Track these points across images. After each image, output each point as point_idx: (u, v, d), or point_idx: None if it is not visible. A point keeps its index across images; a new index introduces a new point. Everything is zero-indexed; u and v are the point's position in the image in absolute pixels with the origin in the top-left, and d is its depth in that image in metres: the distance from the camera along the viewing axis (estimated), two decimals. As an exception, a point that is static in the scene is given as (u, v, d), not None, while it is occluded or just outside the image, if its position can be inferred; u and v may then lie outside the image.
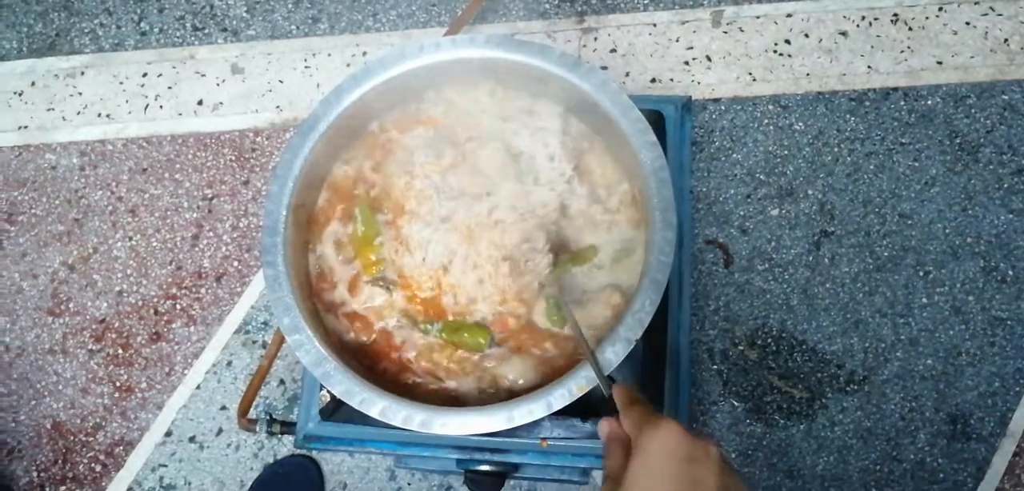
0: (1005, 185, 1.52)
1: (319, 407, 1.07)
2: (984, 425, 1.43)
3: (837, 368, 1.46)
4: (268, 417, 1.30)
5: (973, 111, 1.57)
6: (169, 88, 1.74)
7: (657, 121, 1.15)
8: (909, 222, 1.52)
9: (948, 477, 1.41)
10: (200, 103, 1.73)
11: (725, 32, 1.66)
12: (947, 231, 1.51)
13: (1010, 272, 1.48)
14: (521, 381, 0.95)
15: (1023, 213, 1.50)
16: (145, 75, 1.76)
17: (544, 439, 1.03)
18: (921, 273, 1.49)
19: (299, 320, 0.85)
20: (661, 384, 1.07)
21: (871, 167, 1.55)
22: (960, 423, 1.43)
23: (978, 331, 1.46)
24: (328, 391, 1.01)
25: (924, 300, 1.48)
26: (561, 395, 0.84)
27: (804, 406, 1.45)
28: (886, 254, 1.50)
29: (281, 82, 1.72)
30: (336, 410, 1.08)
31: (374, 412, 0.83)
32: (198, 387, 1.56)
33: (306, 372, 1.08)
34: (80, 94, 1.76)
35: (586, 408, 1.06)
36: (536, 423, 1.03)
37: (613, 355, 0.85)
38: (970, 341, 1.46)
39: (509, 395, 0.90)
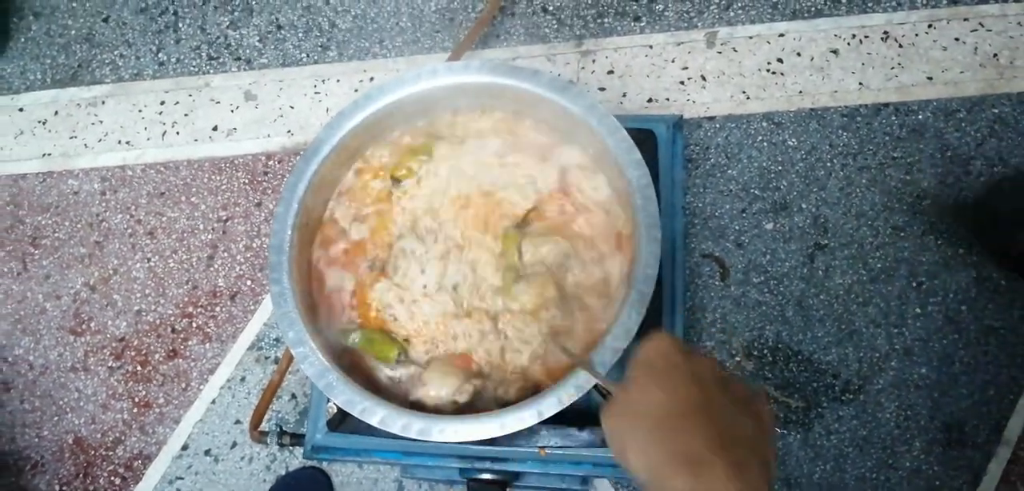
0: (996, 197, 1.55)
1: (326, 419, 1.12)
2: (979, 433, 1.45)
3: (833, 378, 1.49)
4: (279, 430, 1.35)
5: (963, 125, 1.60)
6: (185, 115, 1.82)
7: (649, 139, 1.20)
8: (902, 234, 1.55)
9: (944, 484, 1.43)
10: (215, 129, 1.80)
11: (719, 52, 1.71)
12: (939, 242, 1.54)
13: (1002, 282, 1.51)
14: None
15: (1014, 224, 1.53)
16: (163, 103, 1.84)
17: (542, 448, 1.07)
18: (914, 284, 1.52)
19: (304, 334, 0.90)
20: (655, 394, 1.11)
21: (864, 181, 1.59)
22: (955, 431, 1.45)
23: (972, 340, 1.49)
24: (334, 403, 1.06)
25: (917, 310, 1.51)
26: (551, 403, 0.88)
27: (800, 415, 1.48)
28: (879, 265, 1.54)
29: (292, 108, 1.79)
30: (342, 422, 1.12)
31: (374, 421, 0.88)
32: (213, 402, 1.61)
33: (314, 385, 1.13)
34: (101, 122, 1.84)
35: (583, 417, 1.10)
36: (534, 433, 1.07)
37: (600, 366, 0.89)
38: (964, 350, 1.49)
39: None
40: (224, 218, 1.73)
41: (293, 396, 1.59)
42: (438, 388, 0.96)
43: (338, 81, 1.80)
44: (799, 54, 1.69)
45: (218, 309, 1.67)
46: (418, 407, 0.96)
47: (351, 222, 1.04)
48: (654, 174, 1.15)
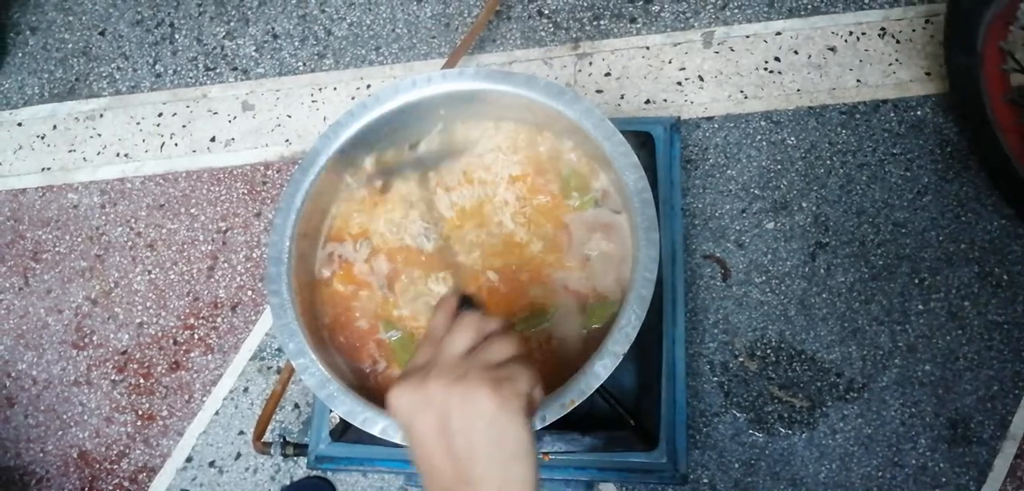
0: (998, 191, 1.55)
1: (329, 429, 1.12)
2: (984, 428, 1.44)
3: (836, 376, 1.49)
4: (282, 440, 1.35)
5: (962, 119, 1.60)
6: (183, 126, 1.82)
7: (647, 142, 1.20)
8: (903, 231, 1.55)
9: (950, 481, 1.43)
10: (213, 140, 1.80)
11: (716, 52, 1.71)
12: (941, 238, 1.54)
13: (1005, 277, 1.50)
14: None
15: (1016, 218, 1.52)
16: (160, 115, 1.84)
17: (546, 453, 1.07)
18: (916, 280, 1.52)
19: (304, 345, 0.90)
20: (659, 397, 1.11)
21: (864, 178, 1.58)
22: (960, 427, 1.45)
23: (975, 336, 1.48)
24: (337, 414, 1.05)
25: (920, 307, 1.51)
26: (554, 409, 0.88)
27: (805, 415, 1.48)
28: (881, 263, 1.53)
29: (289, 117, 1.79)
30: (345, 431, 1.12)
31: (375, 430, 0.88)
32: (217, 413, 1.61)
33: (316, 396, 1.13)
34: (99, 135, 1.84)
35: (587, 423, 1.10)
36: (537, 438, 1.06)
37: (602, 369, 0.88)
38: (968, 346, 1.48)
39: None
40: (224, 229, 1.73)
41: (296, 406, 1.59)
42: None
43: (335, 89, 1.80)
44: (796, 52, 1.69)
45: (219, 320, 1.67)
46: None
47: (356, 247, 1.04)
48: (652, 176, 1.16)
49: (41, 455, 1.63)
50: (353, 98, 1.78)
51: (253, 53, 1.87)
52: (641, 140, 1.18)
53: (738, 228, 1.58)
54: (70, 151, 1.84)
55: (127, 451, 1.61)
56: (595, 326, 1.00)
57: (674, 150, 1.21)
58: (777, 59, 1.69)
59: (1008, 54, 1.39)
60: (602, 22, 1.76)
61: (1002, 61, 1.41)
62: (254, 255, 1.70)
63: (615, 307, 0.98)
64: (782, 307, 1.53)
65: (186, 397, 1.63)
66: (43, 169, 1.83)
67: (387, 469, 1.13)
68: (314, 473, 1.54)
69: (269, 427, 1.49)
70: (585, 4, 1.78)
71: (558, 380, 0.93)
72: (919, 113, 1.61)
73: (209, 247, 1.72)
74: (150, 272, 1.72)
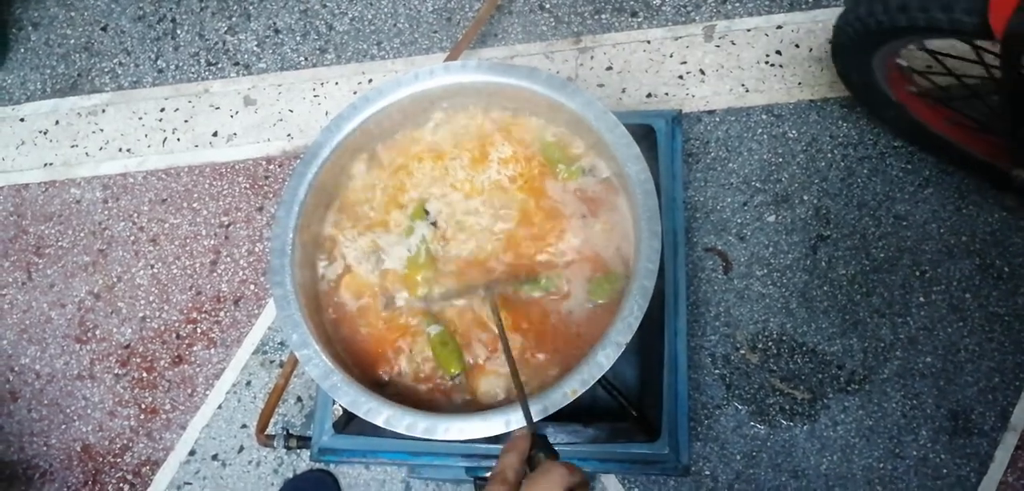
0: (997, 189, 1.55)
1: (332, 421, 1.12)
2: (985, 420, 1.45)
3: (838, 369, 1.49)
4: (285, 433, 1.36)
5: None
6: (185, 121, 1.82)
7: (648, 135, 1.20)
8: (904, 223, 1.55)
9: (951, 472, 1.43)
10: (215, 135, 1.80)
11: (717, 46, 1.71)
12: (942, 231, 1.54)
13: (1006, 269, 1.51)
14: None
15: (1016, 210, 1.53)
16: (163, 110, 1.84)
17: (548, 445, 1.07)
18: (917, 273, 1.52)
19: (307, 336, 0.90)
20: (660, 389, 1.11)
21: (865, 171, 1.59)
22: (961, 419, 1.45)
23: (976, 328, 1.49)
24: (340, 406, 1.06)
25: (921, 299, 1.51)
26: (556, 399, 0.88)
27: (806, 407, 1.48)
28: (882, 255, 1.54)
29: (291, 111, 1.80)
30: (349, 423, 1.13)
31: (379, 421, 0.88)
32: (219, 407, 1.62)
33: (319, 388, 1.13)
34: (102, 130, 1.85)
35: (589, 413, 1.11)
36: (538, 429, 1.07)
37: (604, 358, 0.89)
38: (969, 338, 1.48)
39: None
40: (226, 223, 1.73)
41: (299, 399, 1.59)
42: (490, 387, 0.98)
43: (337, 84, 1.80)
44: (797, 46, 1.69)
45: (222, 314, 1.67)
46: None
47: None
48: (654, 169, 1.16)
49: (44, 449, 1.64)
50: (355, 93, 1.78)
51: (255, 48, 1.87)
52: (643, 133, 1.19)
53: (739, 221, 1.58)
54: (72, 146, 1.84)
55: (130, 445, 1.62)
56: (600, 302, 1.00)
57: (676, 143, 1.22)
58: (778, 52, 1.69)
59: (923, 96, 1.41)
60: (603, 16, 1.76)
61: (924, 100, 1.42)
62: (256, 249, 1.70)
63: (619, 283, 0.98)
64: (783, 300, 1.53)
65: (189, 391, 1.63)
66: (46, 164, 1.83)
67: (390, 460, 1.14)
68: (317, 466, 1.55)
69: (272, 420, 1.50)
70: (586, -2, 1.79)
71: (562, 359, 0.93)
72: (920, 106, 1.61)
73: (211, 241, 1.72)
74: (153, 266, 1.72)
